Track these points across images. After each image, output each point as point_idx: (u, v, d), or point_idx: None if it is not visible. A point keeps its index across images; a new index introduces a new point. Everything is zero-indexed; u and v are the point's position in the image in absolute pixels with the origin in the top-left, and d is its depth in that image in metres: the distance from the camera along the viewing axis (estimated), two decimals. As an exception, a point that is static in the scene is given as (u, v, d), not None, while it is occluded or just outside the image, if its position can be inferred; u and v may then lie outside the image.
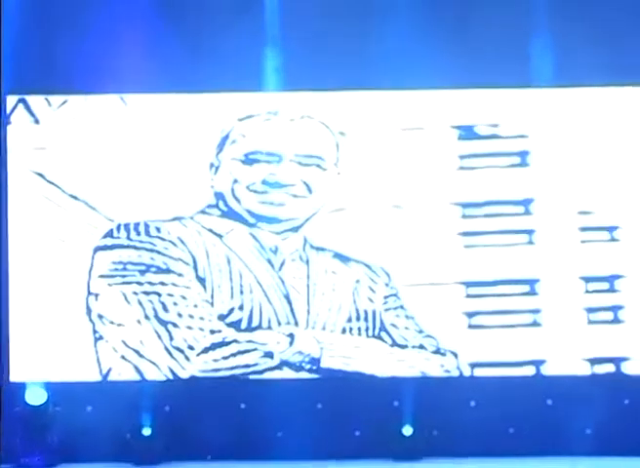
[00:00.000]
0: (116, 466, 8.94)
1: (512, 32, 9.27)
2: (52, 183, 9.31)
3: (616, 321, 9.31)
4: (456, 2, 9.35)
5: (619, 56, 9.13)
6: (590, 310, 9.31)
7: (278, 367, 9.17)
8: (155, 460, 9.05)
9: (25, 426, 8.98)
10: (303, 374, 9.15)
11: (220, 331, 9.16)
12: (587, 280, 9.32)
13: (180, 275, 9.16)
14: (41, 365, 9.21)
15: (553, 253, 9.33)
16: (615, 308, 9.32)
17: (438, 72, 9.06)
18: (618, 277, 9.33)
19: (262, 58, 9.22)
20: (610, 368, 9.32)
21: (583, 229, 9.35)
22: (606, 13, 9.16)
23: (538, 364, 9.32)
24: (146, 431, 9.14)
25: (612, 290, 9.32)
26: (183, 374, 9.15)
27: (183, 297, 9.12)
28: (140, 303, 9.20)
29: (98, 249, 9.26)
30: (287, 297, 9.23)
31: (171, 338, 9.13)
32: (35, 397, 9.07)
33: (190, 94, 9.34)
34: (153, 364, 9.19)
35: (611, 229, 9.36)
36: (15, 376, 9.20)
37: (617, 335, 9.31)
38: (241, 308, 9.17)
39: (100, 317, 9.22)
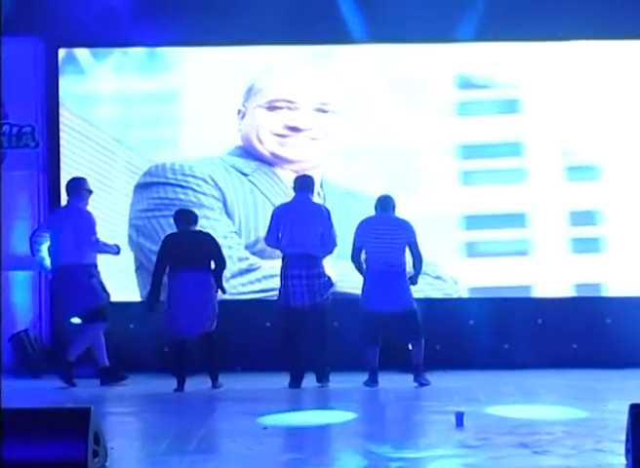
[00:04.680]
0: (156, 375, 9.27)
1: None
2: (97, 128, 10.09)
3: (596, 250, 10.12)
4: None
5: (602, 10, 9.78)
6: (574, 241, 10.14)
7: (298, 290, 9.74)
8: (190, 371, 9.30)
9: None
10: (320, 297, 9.69)
11: (247, 259, 9.89)
12: (572, 214, 10.14)
13: (210, 209, 9.90)
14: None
15: (542, 189, 10.15)
16: (595, 239, 10.15)
17: (439, 26, 9.76)
18: (598, 211, 10.13)
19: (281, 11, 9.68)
20: (591, 291, 10.11)
21: (568, 168, 10.17)
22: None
23: (528, 288, 10.12)
24: (183, 346, 9.65)
25: (593, 223, 10.15)
26: (215, 297, 9.80)
27: (214, 229, 9.59)
28: (176, 234, 9.87)
29: (137, 186, 10.03)
30: (305, 229, 9.89)
31: (203, 265, 9.81)
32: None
33: (219, 46, 10.08)
34: (187, 287, 9.82)
35: (592, 168, 10.17)
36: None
37: (597, 263, 10.11)
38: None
39: (141, 246, 9.96)
